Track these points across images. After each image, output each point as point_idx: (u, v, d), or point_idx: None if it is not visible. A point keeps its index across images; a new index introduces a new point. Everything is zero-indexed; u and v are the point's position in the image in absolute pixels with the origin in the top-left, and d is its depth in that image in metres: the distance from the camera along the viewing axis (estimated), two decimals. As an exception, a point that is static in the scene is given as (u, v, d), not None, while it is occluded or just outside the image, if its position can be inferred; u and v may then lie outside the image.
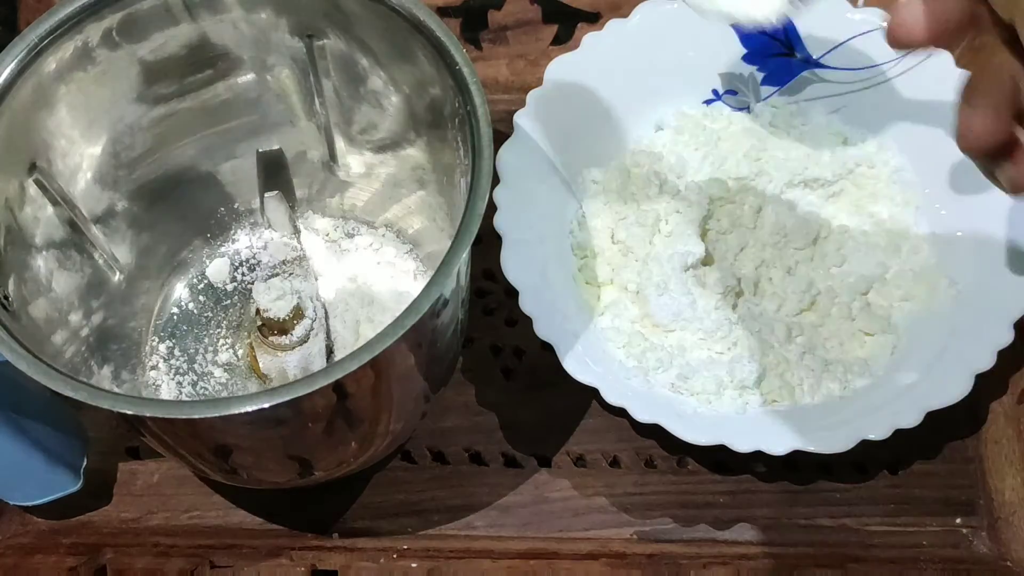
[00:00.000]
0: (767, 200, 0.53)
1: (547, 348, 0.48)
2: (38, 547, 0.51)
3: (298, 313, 0.49)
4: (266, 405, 0.36)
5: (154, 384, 0.52)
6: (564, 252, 0.53)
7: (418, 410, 0.47)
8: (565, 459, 0.53)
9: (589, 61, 0.54)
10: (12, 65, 0.42)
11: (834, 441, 0.46)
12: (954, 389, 0.47)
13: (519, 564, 0.49)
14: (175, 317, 0.54)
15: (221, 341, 0.53)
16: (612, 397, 0.47)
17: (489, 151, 0.40)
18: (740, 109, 0.56)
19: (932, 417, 0.46)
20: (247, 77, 0.49)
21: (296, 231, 0.55)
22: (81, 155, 0.47)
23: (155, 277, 0.53)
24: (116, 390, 0.48)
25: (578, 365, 0.48)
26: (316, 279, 0.54)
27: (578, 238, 0.53)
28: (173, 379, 0.52)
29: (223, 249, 0.55)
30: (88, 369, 0.48)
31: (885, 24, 0.52)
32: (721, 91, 0.56)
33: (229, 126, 0.51)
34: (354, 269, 0.54)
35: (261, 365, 0.51)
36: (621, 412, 0.47)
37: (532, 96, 0.53)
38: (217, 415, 0.36)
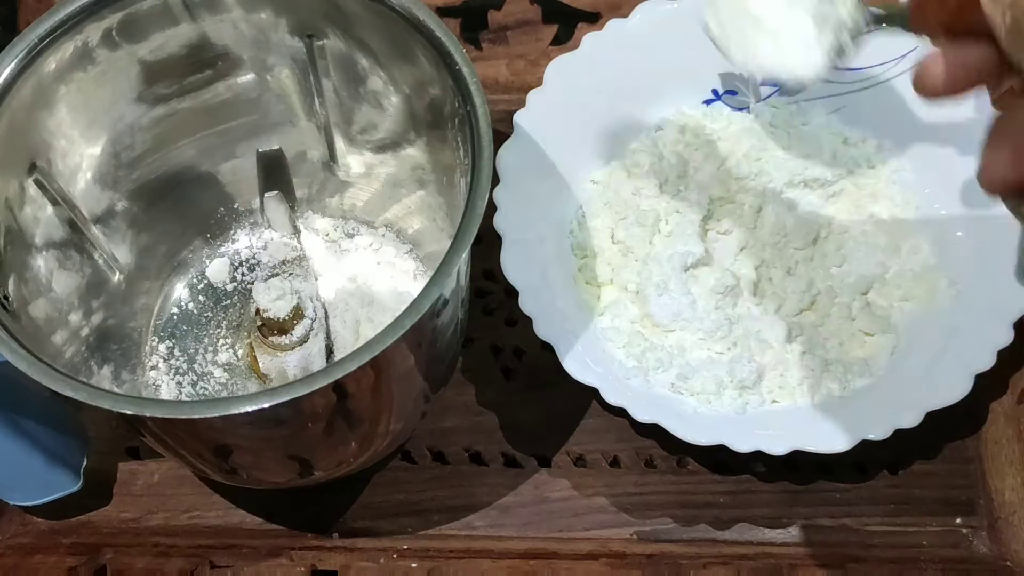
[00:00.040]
0: (767, 200, 0.53)
1: (547, 348, 0.48)
2: (38, 547, 0.51)
3: (298, 313, 0.49)
4: (266, 405, 0.36)
5: (154, 384, 0.52)
6: (564, 252, 0.53)
7: (418, 410, 0.47)
8: (565, 459, 0.53)
9: (589, 61, 0.54)
10: (12, 65, 0.42)
11: (834, 441, 0.46)
12: (954, 389, 0.47)
13: (519, 564, 0.49)
14: (175, 317, 0.54)
15: (221, 341, 0.53)
16: (612, 397, 0.47)
17: (489, 151, 0.40)
18: (740, 109, 0.56)
19: (932, 417, 0.46)
20: (247, 77, 0.49)
21: (296, 231, 0.55)
22: (81, 155, 0.47)
23: (155, 277, 0.53)
24: (116, 390, 0.48)
25: (578, 365, 0.48)
26: (316, 279, 0.54)
27: (578, 238, 0.53)
28: (173, 379, 0.52)
29: (223, 249, 0.55)
30: (88, 369, 0.48)
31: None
32: (721, 91, 0.56)
33: (229, 126, 0.51)
34: (354, 269, 0.54)
35: (261, 365, 0.51)
36: (621, 412, 0.47)
37: (532, 96, 0.53)
38: (217, 415, 0.36)
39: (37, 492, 0.49)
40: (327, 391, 0.37)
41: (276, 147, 0.53)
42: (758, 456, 0.47)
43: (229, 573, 0.49)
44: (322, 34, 0.47)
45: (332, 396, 0.39)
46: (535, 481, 0.52)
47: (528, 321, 0.48)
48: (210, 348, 0.53)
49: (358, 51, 0.47)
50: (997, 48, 0.33)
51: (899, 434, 0.46)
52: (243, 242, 0.55)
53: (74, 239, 0.48)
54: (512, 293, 0.49)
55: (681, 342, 0.51)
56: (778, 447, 0.46)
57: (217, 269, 0.55)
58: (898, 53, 0.53)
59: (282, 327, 0.49)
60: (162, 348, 0.53)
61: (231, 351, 0.53)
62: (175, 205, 0.52)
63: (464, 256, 0.39)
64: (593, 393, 0.47)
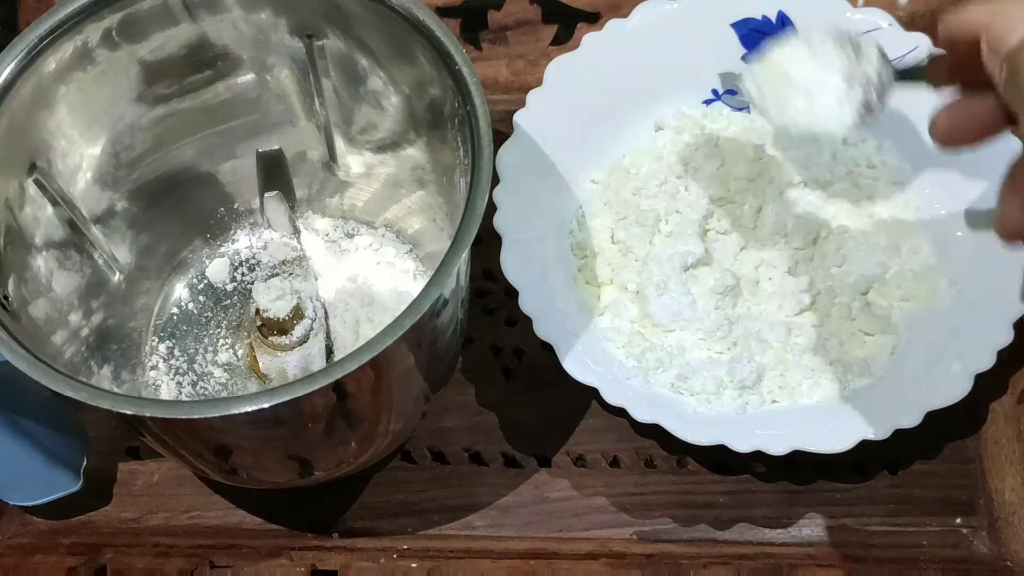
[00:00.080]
0: (767, 200, 0.53)
1: (547, 348, 0.48)
2: (38, 547, 0.51)
3: (298, 313, 0.49)
4: (266, 405, 0.36)
5: (154, 384, 0.52)
6: (564, 252, 0.53)
7: (418, 410, 0.47)
8: (565, 459, 0.53)
9: (589, 61, 0.54)
10: (12, 65, 0.42)
11: (834, 441, 0.46)
12: (954, 389, 0.47)
13: (519, 564, 0.49)
14: (175, 317, 0.54)
15: (221, 341, 0.53)
16: (612, 397, 0.47)
17: (489, 151, 0.40)
18: (740, 109, 0.56)
19: (932, 417, 0.46)
20: (247, 77, 0.49)
21: (296, 231, 0.55)
22: (81, 155, 0.47)
23: (155, 277, 0.53)
24: (116, 390, 0.48)
25: (578, 365, 0.48)
26: (316, 279, 0.54)
27: (578, 238, 0.53)
28: (173, 379, 0.52)
29: (223, 249, 0.55)
30: (88, 369, 0.48)
31: (887, 25, 0.53)
32: (721, 91, 0.56)
33: (229, 126, 0.51)
34: (354, 269, 0.54)
35: (261, 365, 0.51)
36: (621, 412, 0.47)
37: (532, 96, 0.53)
38: (217, 415, 0.36)
39: (37, 492, 0.49)
40: (327, 391, 0.37)
41: (276, 147, 0.53)
42: (758, 456, 0.47)
43: (229, 573, 0.49)
44: (322, 34, 0.47)
45: (332, 396, 0.39)
46: (535, 481, 0.52)
47: (528, 321, 0.48)
48: (210, 348, 0.53)
49: (358, 51, 0.47)
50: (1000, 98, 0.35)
51: (899, 434, 0.46)
52: (243, 242, 0.55)
53: (74, 239, 0.48)
54: (512, 293, 0.49)
55: (681, 342, 0.51)
56: (778, 447, 0.46)
57: (217, 269, 0.55)
58: (898, 53, 0.53)
59: (282, 327, 0.49)
60: (162, 348, 0.53)
61: (231, 351, 0.53)
62: (175, 205, 0.52)
63: (464, 256, 0.39)
64: (593, 393, 0.47)
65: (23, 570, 0.49)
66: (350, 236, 0.55)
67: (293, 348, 0.50)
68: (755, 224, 0.53)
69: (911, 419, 0.46)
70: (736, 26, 0.54)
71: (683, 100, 0.56)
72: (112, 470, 0.53)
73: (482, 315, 0.55)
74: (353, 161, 0.53)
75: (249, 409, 0.36)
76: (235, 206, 0.55)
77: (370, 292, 0.53)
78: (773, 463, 0.51)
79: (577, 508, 0.51)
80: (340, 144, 0.52)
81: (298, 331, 0.49)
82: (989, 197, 0.49)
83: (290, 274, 0.54)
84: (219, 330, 0.54)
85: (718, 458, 0.51)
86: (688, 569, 0.48)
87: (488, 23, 0.61)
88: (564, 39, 0.61)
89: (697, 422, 0.48)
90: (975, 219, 0.50)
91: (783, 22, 0.54)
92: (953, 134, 0.39)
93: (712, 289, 0.51)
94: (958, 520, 0.51)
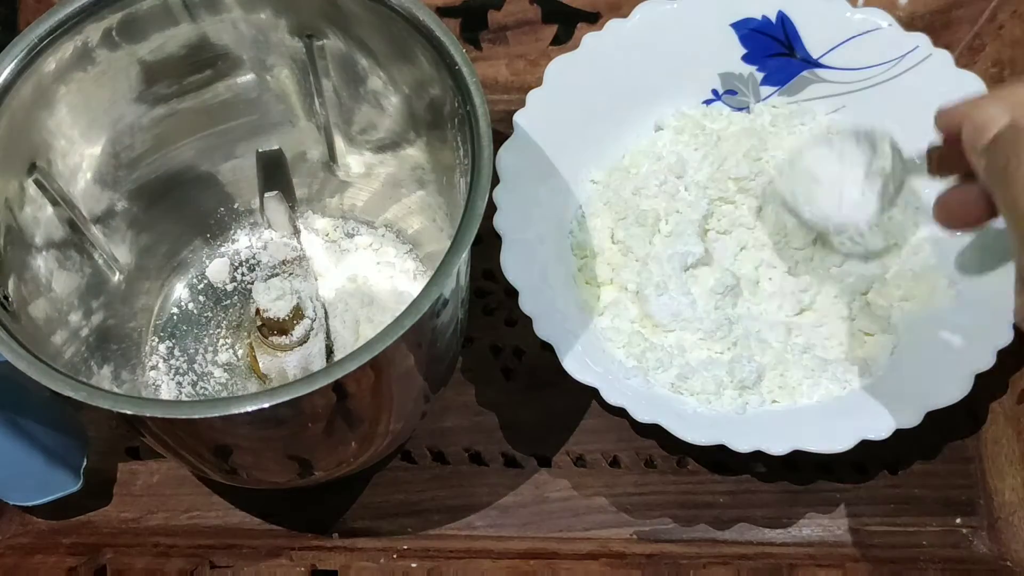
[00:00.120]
0: (767, 200, 0.53)
1: (547, 348, 0.48)
2: (38, 547, 0.51)
3: (298, 313, 0.49)
4: (266, 405, 0.36)
5: (154, 384, 0.52)
6: (564, 252, 0.53)
7: (418, 410, 0.47)
8: (565, 459, 0.53)
9: (589, 61, 0.54)
10: (12, 65, 0.42)
11: (834, 441, 0.46)
12: (954, 389, 0.47)
13: (519, 564, 0.49)
14: (175, 317, 0.54)
15: (221, 341, 0.53)
16: (612, 397, 0.47)
17: (489, 151, 0.40)
18: (740, 109, 0.56)
19: (932, 417, 0.46)
20: (247, 77, 0.49)
21: (296, 231, 0.55)
22: (81, 155, 0.47)
23: (155, 277, 0.53)
24: (116, 390, 0.48)
25: (578, 365, 0.48)
26: (316, 279, 0.54)
27: (578, 238, 0.53)
28: (173, 379, 0.52)
29: (223, 249, 0.55)
30: (88, 369, 0.48)
31: (887, 25, 0.53)
32: (721, 91, 0.56)
33: (229, 126, 0.51)
34: (354, 269, 0.54)
35: (261, 365, 0.51)
36: (621, 412, 0.47)
37: (532, 96, 0.53)
38: (217, 415, 0.36)
39: (37, 492, 0.49)
40: (327, 391, 0.37)
41: (276, 147, 0.53)
42: (758, 456, 0.47)
43: (229, 573, 0.49)
44: (322, 34, 0.47)
45: (332, 396, 0.39)
46: (535, 481, 0.52)
47: (528, 321, 0.48)
48: (210, 348, 0.53)
49: (358, 51, 0.47)
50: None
51: (899, 434, 0.46)
52: (243, 242, 0.55)
53: (74, 239, 0.48)
54: (512, 293, 0.49)
55: (681, 342, 0.51)
56: (778, 447, 0.46)
57: (217, 269, 0.55)
58: (898, 53, 0.53)
59: (282, 327, 0.49)
60: (162, 348, 0.53)
61: (231, 351, 0.53)
62: (175, 205, 0.52)
63: (464, 256, 0.39)
64: (593, 393, 0.47)
65: (23, 570, 0.49)
66: (350, 236, 0.55)
67: (293, 348, 0.50)
68: (755, 224, 0.53)
69: (911, 419, 0.46)
70: (736, 26, 0.54)
71: (683, 100, 0.56)
72: (112, 470, 0.53)
73: (482, 315, 0.55)
74: (353, 161, 0.53)
75: (249, 409, 0.36)
76: (235, 206, 0.55)
77: (370, 292, 0.53)
78: (773, 463, 0.51)
79: (577, 508, 0.51)
80: (340, 144, 0.52)
81: (298, 331, 0.49)
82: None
83: (290, 274, 0.54)
84: (219, 330, 0.54)
85: (718, 458, 0.52)
86: (688, 569, 0.48)
87: (488, 23, 0.61)
88: (564, 39, 0.61)
89: (697, 422, 0.48)
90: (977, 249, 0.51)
91: (783, 22, 0.54)
92: (950, 219, 0.43)
93: (712, 289, 0.51)
94: (958, 520, 0.51)
